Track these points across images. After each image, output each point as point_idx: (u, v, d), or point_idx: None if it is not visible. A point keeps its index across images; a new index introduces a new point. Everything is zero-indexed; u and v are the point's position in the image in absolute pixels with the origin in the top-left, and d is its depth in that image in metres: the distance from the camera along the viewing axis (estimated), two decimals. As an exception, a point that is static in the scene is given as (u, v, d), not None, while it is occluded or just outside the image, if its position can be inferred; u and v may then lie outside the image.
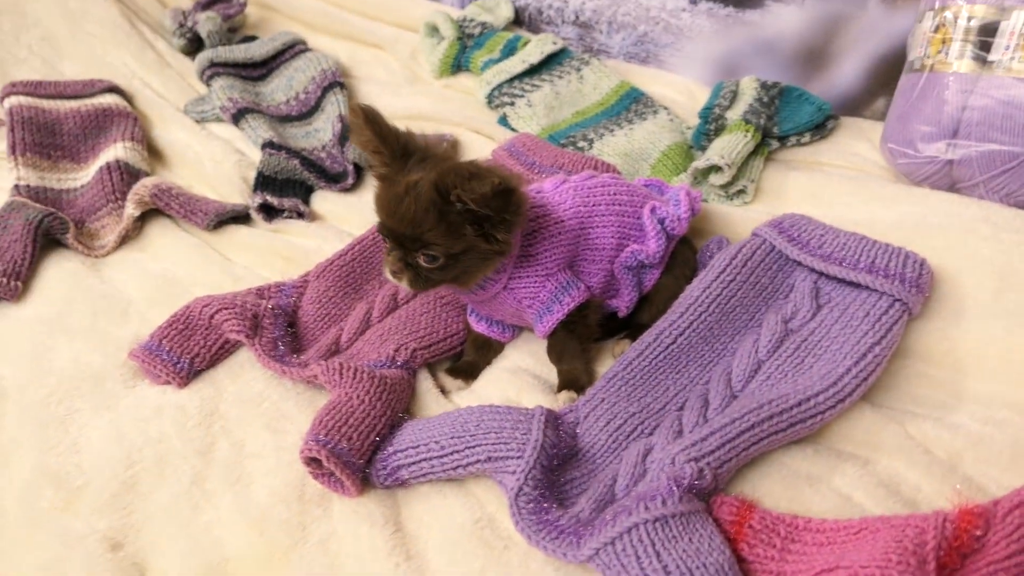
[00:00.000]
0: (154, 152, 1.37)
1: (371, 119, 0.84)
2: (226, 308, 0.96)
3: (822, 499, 0.75)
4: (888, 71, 1.18)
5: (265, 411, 0.90)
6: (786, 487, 0.77)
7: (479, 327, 0.98)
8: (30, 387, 0.93)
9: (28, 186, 1.23)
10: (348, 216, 1.22)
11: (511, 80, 1.37)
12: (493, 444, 0.78)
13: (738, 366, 0.87)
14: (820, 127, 1.19)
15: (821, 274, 0.92)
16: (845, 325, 0.86)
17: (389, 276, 0.85)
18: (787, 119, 1.18)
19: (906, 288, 0.86)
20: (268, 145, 1.29)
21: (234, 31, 1.65)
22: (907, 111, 1.02)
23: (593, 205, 0.96)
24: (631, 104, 1.32)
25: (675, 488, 0.72)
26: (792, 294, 0.92)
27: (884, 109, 1.12)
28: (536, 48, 1.41)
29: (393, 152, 0.84)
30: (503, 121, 1.35)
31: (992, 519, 0.67)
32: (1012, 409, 0.81)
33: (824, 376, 0.82)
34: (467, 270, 0.84)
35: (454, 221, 0.80)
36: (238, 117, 1.37)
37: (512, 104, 1.34)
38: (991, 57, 0.95)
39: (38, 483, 0.82)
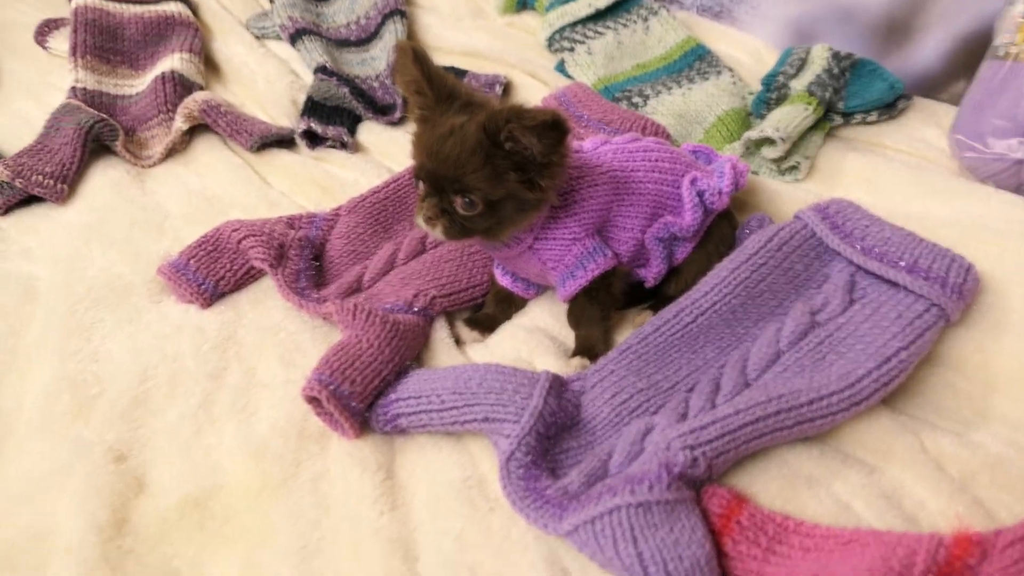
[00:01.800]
0: (211, 65, 1.38)
1: (419, 59, 0.81)
2: (254, 235, 0.97)
3: (818, 503, 0.73)
4: (972, 53, 1.09)
5: (281, 341, 0.91)
6: (784, 486, 0.75)
7: (504, 281, 0.97)
8: (61, 291, 0.96)
9: (85, 89, 1.25)
10: (391, 150, 1.21)
11: (574, 24, 1.32)
12: (492, 405, 0.78)
13: (756, 354, 0.84)
14: (890, 106, 1.12)
15: (859, 268, 0.88)
16: (875, 324, 0.82)
17: (422, 224, 0.82)
18: (855, 94, 1.11)
19: (947, 293, 0.81)
20: (320, 70, 1.28)
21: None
22: (983, 101, 0.95)
23: (632, 171, 0.92)
24: (695, 62, 1.26)
25: (665, 474, 0.70)
26: (825, 285, 0.88)
27: (962, 93, 1.04)
28: (605, -9, 1.35)
29: (438, 95, 0.81)
30: (560, 67, 1.31)
31: (991, 549, 0.64)
32: (1039, 435, 0.77)
33: (843, 376, 0.78)
34: (503, 220, 0.82)
35: (499, 165, 0.78)
36: (296, 37, 1.36)
37: (572, 50, 1.29)
38: (1083, 51, 0.87)
39: (57, 387, 0.86)
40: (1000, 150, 0.92)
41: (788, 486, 0.75)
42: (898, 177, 1.01)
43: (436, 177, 0.80)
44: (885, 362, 0.79)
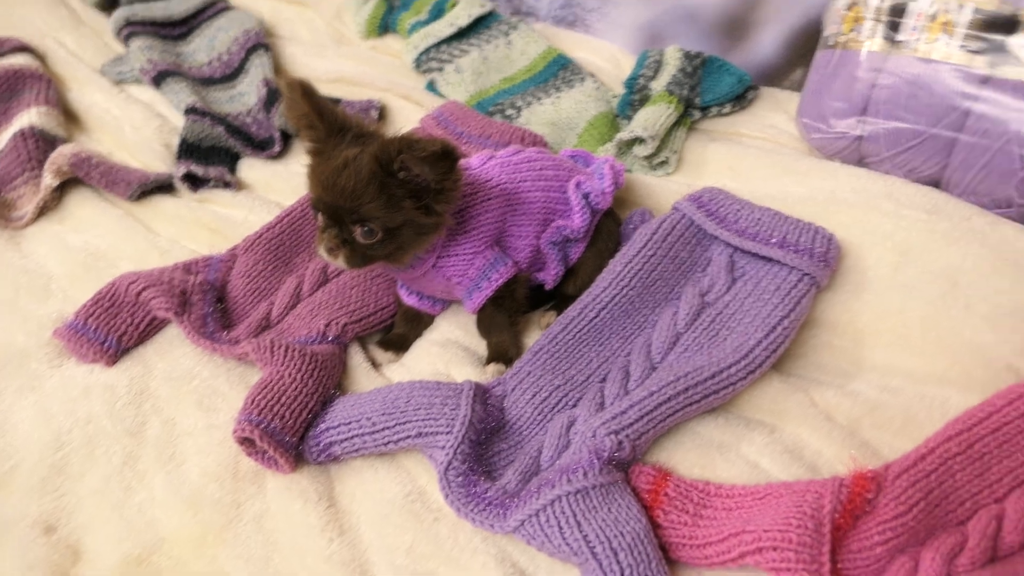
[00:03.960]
0: (70, 116, 1.33)
1: (308, 94, 0.84)
2: (153, 285, 0.95)
3: (731, 466, 0.80)
4: (807, 42, 1.21)
5: (196, 388, 0.91)
6: (699, 455, 0.82)
7: (410, 300, 1.00)
8: (-50, 368, 0.92)
9: (-63, 154, 1.19)
10: (276, 184, 1.21)
11: (439, 44, 1.37)
12: (423, 420, 0.81)
13: (657, 338, 0.91)
14: (740, 98, 1.23)
15: (736, 248, 0.96)
16: (757, 298, 0.91)
17: (324, 255, 0.85)
18: (709, 90, 1.21)
19: (815, 263, 0.91)
20: (191, 111, 1.26)
21: (150, -15, 1.59)
22: (821, 87, 1.06)
23: (520, 181, 0.97)
24: (558, 71, 1.33)
25: (596, 460, 0.76)
26: (709, 268, 0.96)
27: (802, 80, 1.15)
28: (464, 10, 1.40)
29: (329, 128, 0.84)
30: (431, 87, 1.35)
31: (883, 482, 0.73)
32: (905, 377, 0.87)
33: (736, 348, 0.86)
34: (403, 245, 0.85)
35: (394, 193, 0.81)
36: (159, 80, 1.34)
37: (440, 70, 1.33)
38: (899, 37, 0.99)
39: (-35, 469, 0.82)
40: (841, 129, 1.03)
41: (703, 455, 0.82)
42: (756, 162, 1.11)
43: (334, 209, 0.82)
44: (771, 331, 0.87)
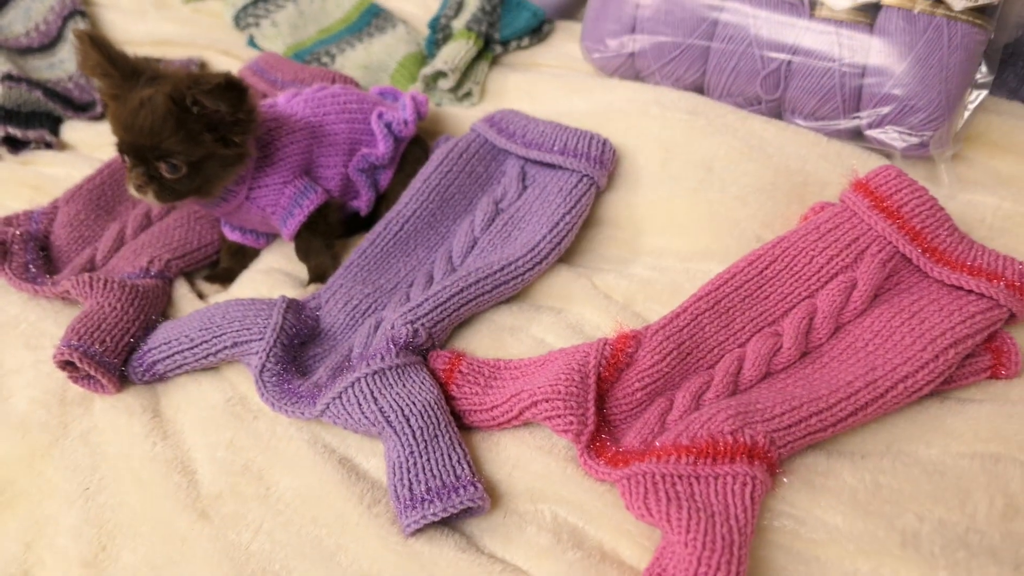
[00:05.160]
0: None
1: (97, 42, 0.88)
2: (-29, 237, 0.98)
3: (520, 344, 0.90)
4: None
5: (23, 332, 0.94)
6: (493, 339, 0.91)
7: (233, 236, 1.06)
8: None
9: None
10: (100, 144, 1.24)
11: (255, 1, 1.41)
12: (238, 331, 0.88)
13: (457, 244, 1.00)
14: (537, 31, 1.33)
15: (527, 159, 1.06)
16: (544, 201, 1.01)
17: (134, 192, 0.91)
18: (507, 25, 1.31)
19: (591, 164, 1.02)
20: (7, 78, 1.27)
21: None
22: (598, 12, 1.16)
23: (324, 114, 1.05)
24: (372, 19, 1.40)
25: (392, 346, 0.84)
26: (503, 179, 1.06)
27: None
28: (280, -32, 1.45)
29: (123, 73, 0.89)
30: (251, 42, 1.40)
31: (642, 339, 0.84)
32: (674, 257, 0.99)
33: (524, 244, 0.96)
34: (210, 178, 0.91)
35: (192, 128, 0.87)
36: (-27, 52, 1.34)
37: (258, 25, 1.39)
38: (656, -40, 1.10)
39: None
40: (615, 48, 1.14)
41: (496, 339, 0.91)
42: (549, 86, 1.21)
43: (136, 148, 0.88)
44: (555, 226, 0.98)
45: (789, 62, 1.03)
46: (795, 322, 0.85)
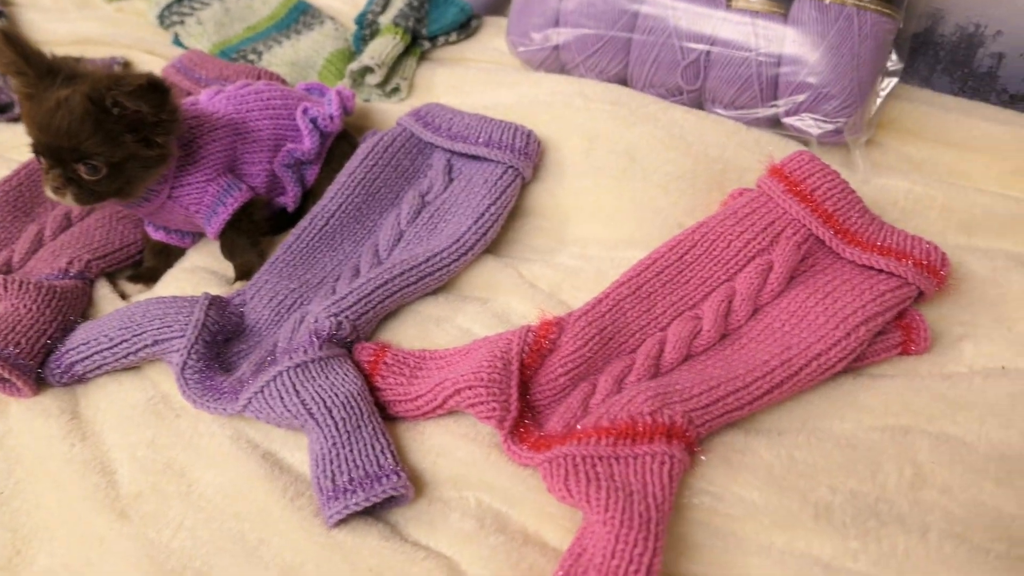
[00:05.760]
0: None
1: (10, 40, 0.86)
2: None
3: (446, 335, 0.90)
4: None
5: (-65, 336, 0.92)
6: (418, 330, 0.91)
7: (157, 235, 1.04)
8: None
9: None
10: (18, 145, 1.21)
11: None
12: (158, 328, 0.86)
13: (383, 237, 1.00)
14: (465, 26, 1.34)
15: (452, 152, 1.06)
16: (469, 192, 1.02)
17: (51, 195, 0.88)
18: (435, 20, 1.31)
19: (516, 156, 1.02)
20: (-81, 80, 1.24)
21: None
22: (523, 7, 1.18)
23: (247, 111, 1.04)
24: (299, 16, 1.40)
25: (315, 339, 0.84)
26: (429, 172, 1.06)
27: (512, 5, 1.27)
28: (204, -35, 1.44)
29: (38, 71, 0.87)
30: (176, 41, 1.38)
31: (565, 326, 0.85)
32: (599, 246, 1.00)
33: (449, 235, 0.97)
34: (131, 179, 0.89)
35: (112, 129, 0.85)
36: None
37: (182, 23, 1.37)
38: (577, -47, 1.12)
39: None
40: (539, 41, 1.15)
41: (422, 329, 0.92)
42: (476, 79, 1.21)
43: (53, 149, 0.85)
44: (480, 217, 0.98)
45: (708, 52, 1.05)
46: (714, 305, 0.87)
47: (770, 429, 0.78)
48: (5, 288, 0.90)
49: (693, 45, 1.05)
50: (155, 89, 0.85)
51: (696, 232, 0.91)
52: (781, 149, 1.03)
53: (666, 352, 0.84)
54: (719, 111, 1.08)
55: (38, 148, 0.87)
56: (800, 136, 1.05)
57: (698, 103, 1.10)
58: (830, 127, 1.02)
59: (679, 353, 0.84)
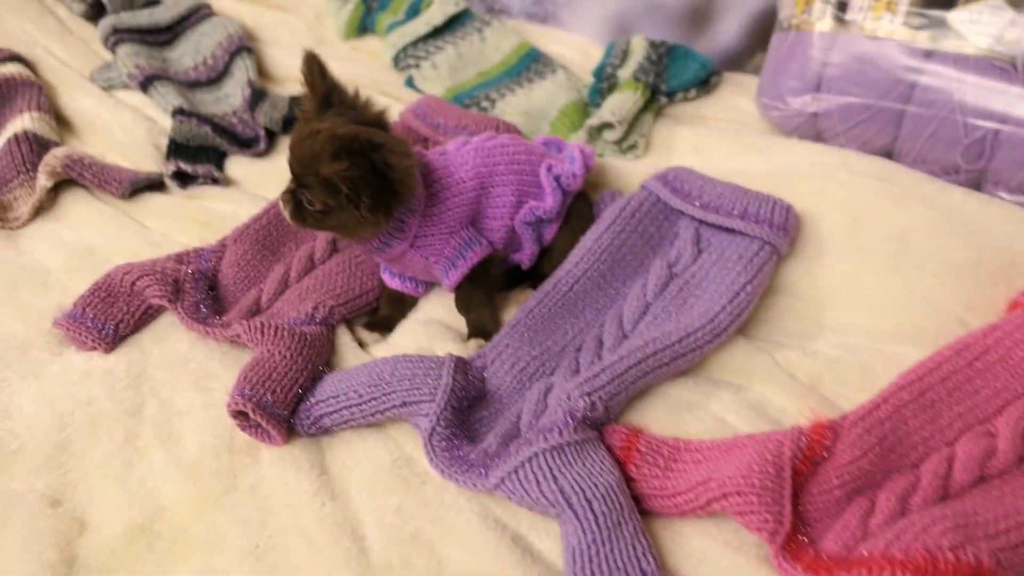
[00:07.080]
0: (62, 121, 1.37)
1: (309, 61, 0.91)
2: (147, 275, 1.00)
3: (700, 423, 0.85)
4: (766, 28, 1.27)
5: (192, 371, 0.95)
6: (669, 414, 0.87)
7: (393, 283, 1.05)
8: (-43, 360, 0.96)
9: (-66, 161, 1.23)
10: (262, 181, 1.26)
11: (415, 42, 1.42)
12: (407, 390, 0.86)
13: (628, 309, 0.96)
14: (704, 83, 1.28)
15: (701, 222, 1.01)
16: (722, 267, 0.96)
17: (280, 203, 0.93)
18: (674, 76, 1.26)
19: (774, 232, 0.96)
20: (178, 112, 1.31)
21: (135, -6, 1.64)
22: (778, 67, 1.11)
23: (493, 165, 1.02)
24: (531, 64, 1.39)
25: (570, 420, 0.81)
26: (676, 241, 1.01)
27: (762, 63, 1.21)
28: (439, 10, 1.45)
29: (319, 97, 0.91)
30: (409, 83, 1.40)
31: (840, 431, 0.78)
32: (862, 335, 0.92)
33: (703, 314, 0.92)
34: (342, 226, 0.92)
35: (333, 178, 0.86)
36: (146, 84, 1.38)
37: (417, 66, 1.39)
38: (847, 17, 1.04)
39: (-28, 451, 0.86)
40: (797, 106, 1.08)
41: (673, 414, 0.87)
42: (720, 141, 1.16)
43: (292, 170, 0.90)
44: (735, 297, 0.93)
45: (997, 131, 0.95)
46: (1011, 421, 0.77)
47: (1090, 580, 0.68)
48: (262, 333, 0.92)
49: (980, 122, 0.96)
50: (350, 151, 0.84)
51: (988, 336, 0.81)
52: (1080, 244, 0.92)
53: (955, 472, 0.76)
54: (1003, 195, 0.98)
55: (288, 163, 0.91)
56: (1101, 230, 0.94)
57: (976, 184, 1.01)
58: None
59: (971, 475, 0.76)
